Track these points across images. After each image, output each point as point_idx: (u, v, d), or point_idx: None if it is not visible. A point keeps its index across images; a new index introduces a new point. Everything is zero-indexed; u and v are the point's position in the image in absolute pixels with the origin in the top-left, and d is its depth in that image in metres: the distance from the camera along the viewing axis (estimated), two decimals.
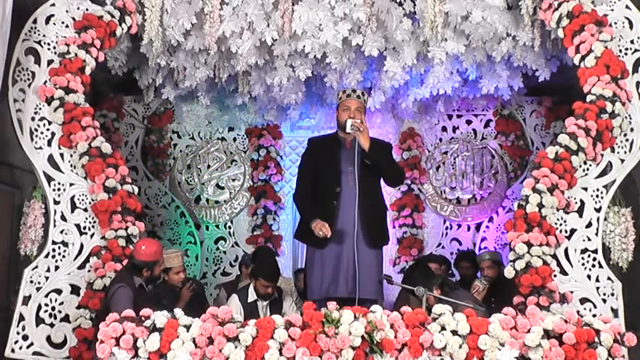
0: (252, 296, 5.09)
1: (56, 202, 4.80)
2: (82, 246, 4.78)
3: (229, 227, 7.06)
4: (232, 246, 7.01)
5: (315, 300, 4.35)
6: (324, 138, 4.65)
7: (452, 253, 6.83)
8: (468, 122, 7.09)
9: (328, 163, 4.51)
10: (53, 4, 4.96)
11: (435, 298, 4.33)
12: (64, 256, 4.76)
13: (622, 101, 4.56)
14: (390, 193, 7.01)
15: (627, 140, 4.68)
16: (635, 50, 4.76)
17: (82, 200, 4.82)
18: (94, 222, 4.78)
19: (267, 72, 5.53)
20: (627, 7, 4.81)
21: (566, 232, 4.57)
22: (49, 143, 4.83)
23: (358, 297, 4.31)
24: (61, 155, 4.84)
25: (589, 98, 4.60)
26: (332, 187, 4.53)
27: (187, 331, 3.55)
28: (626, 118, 4.62)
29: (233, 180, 7.14)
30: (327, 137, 4.62)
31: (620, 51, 4.74)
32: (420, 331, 3.56)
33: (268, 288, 5.03)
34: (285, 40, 4.94)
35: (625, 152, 4.67)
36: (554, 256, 4.48)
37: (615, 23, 4.76)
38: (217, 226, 7.05)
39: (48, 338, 4.64)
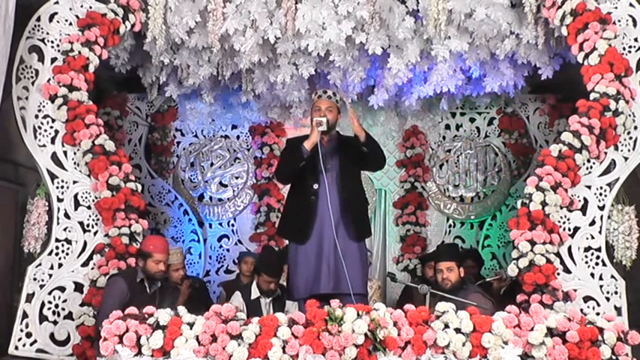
0: (255, 293, 5.10)
1: (60, 200, 4.81)
2: (85, 243, 4.79)
3: (232, 225, 7.07)
4: (235, 244, 7.02)
5: (300, 298, 4.36)
6: (302, 138, 4.67)
7: None
8: (472, 120, 7.09)
9: (306, 162, 4.53)
10: (57, 2, 4.97)
11: (439, 295, 4.33)
12: (67, 254, 4.77)
13: (625, 99, 4.55)
14: (393, 192, 7.02)
15: (631, 138, 4.67)
16: (639, 48, 4.75)
17: (86, 198, 4.83)
18: (98, 219, 4.79)
19: (270, 70, 5.53)
20: (631, 4, 4.80)
21: (569, 230, 4.57)
22: (53, 141, 4.84)
23: (343, 292, 4.31)
24: (65, 153, 4.84)
25: (593, 96, 4.59)
26: (310, 185, 4.56)
27: (191, 328, 3.56)
28: (629, 115, 4.61)
29: (236, 178, 7.15)
30: (304, 138, 4.63)
31: (624, 49, 4.73)
32: (424, 329, 3.56)
33: (271, 284, 5.03)
34: (288, 38, 4.94)
35: (629, 150, 4.66)
36: (558, 254, 4.47)
37: (619, 21, 4.75)
38: (220, 224, 7.06)
39: (51, 336, 4.65)
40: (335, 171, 4.60)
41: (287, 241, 6.84)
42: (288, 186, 4.84)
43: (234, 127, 7.16)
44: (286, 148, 4.86)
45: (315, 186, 4.55)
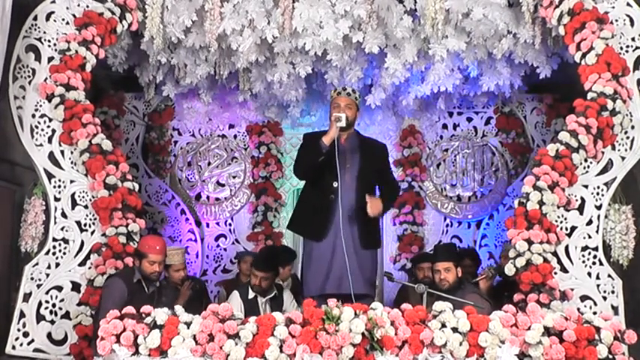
0: (252, 292, 5.10)
1: (57, 199, 4.80)
2: (82, 243, 4.78)
3: (230, 224, 7.07)
4: (233, 243, 7.01)
5: (311, 296, 4.37)
6: (320, 134, 4.67)
7: None
8: (469, 119, 7.09)
9: (326, 159, 4.53)
10: (53, 1, 4.96)
11: (436, 295, 4.33)
12: (64, 253, 4.76)
13: (623, 99, 4.56)
14: None
15: (628, 138, 4.69)
16: (636, 47, 4.76)
17: (83, 197, 4.82)
18: (95, 219, 4.79)
19: (267, 69, 5.53)
20: (628, 4, 4.80)
21: (566, 229, 4.58)
22: (50, 140, 4.83)
23: (348, 293, 4.31)
24: (62, 152, 4.84)
25: (590, 96, 4.60)
26: (329, 182, 4.55)
27: (188, 328, 3.56)
28: (626, 115, 4.62)
29: (233, 177, 7.14)
30: (323, 134, 4.63)
31: (621, 48, 4.74)
32: (421, 329, 3.56)
33: (259, 279, 5.01)
34: (285, 38, 4.94)
35: (626, 150, 4.67)
36: (555, 254, 4.48)
37: (616, 20, 4.76)
38: (218, 223, 7.06)
39: (49, 335, 4.64)
40: (354, 171, 4.60)
41: (284, 240, 6.95)
42: (294, 183, 4.83)
43: (231, 126, 7.15)
44: (304, 143, 4.85)
45: (335, 184, 4.55)
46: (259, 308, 5.04)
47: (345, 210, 4.51)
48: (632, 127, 4.68)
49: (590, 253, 4.59)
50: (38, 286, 4.69)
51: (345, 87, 4.77)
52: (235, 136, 7.17)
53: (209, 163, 7.13)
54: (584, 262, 4.57)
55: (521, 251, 4.39)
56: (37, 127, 4.83)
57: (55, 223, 4.78)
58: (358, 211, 4.55)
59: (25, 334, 4.63)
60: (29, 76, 4.88)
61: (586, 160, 4.61)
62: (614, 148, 4.66)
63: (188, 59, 5.51)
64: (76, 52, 4.82)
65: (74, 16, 4.93)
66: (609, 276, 4.55)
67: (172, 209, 6.84)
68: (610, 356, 3.56)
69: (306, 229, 4.71)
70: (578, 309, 4.33)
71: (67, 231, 4.79)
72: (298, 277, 6.24)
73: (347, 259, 4.40)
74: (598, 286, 4.54)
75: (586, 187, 4.64)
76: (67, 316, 4.65)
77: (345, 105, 4.61)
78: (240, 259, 6.25)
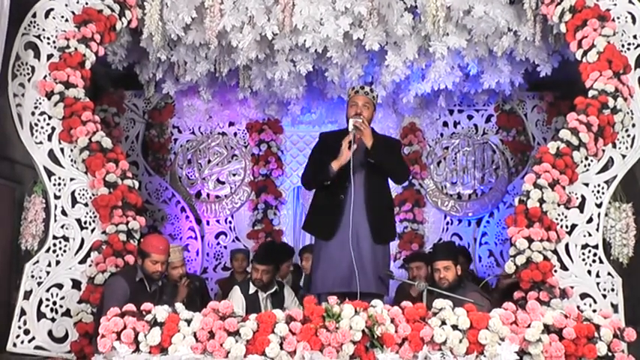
0: (253, 287, 5.11)
1: (57, 197, 4.79)
2: (82, 241, 4.78)
3: (230, 222, 7.07)
4: (233, 241, 7.02)
5: (318, 294, 4.38)
6: (335, 133, 4.68)
7: None
8: (469, 117, 7.09)
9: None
10: None
11: (436, 292, 4.33)
12: (64, 251, 4.76)
13: (624, 97, 4.55)
14: (391, 188, 7.00)
15: (629, 136, 4.68)
16: (638, 45, 4.75)
17: (83, 195, 4.82)
18: (95, 217, 4.78)
19: (267, 66, 5.53)
20: (630, 1, 4.79)
21: (566, 227, 4.57)
22: (50, 138, 4.83)
23: (361, 291, 4.31)
24: (62, 150, 4.83)
25: (591, 93, 4.59)
26: (341, 181, 4.55)
27: (188, 325, 3.56)
28: (627, 113, 4.61)
29: (234, 175, 7.14)
30: (338, 133, 4.64)
31: (623, 46, 4.73)
32: (421, 326, 3.56)
33: (258, 272, 5.02)
34: (285, 35, 4.93)
35: (626, 148, 4.67)
36: (555, 252, 4.48)
37: (618, 18, 4.75)
38: (218, 221, 7.06)
39: (49, 333, 4.64)
40: (366, 170, 4.58)
41: (285, 238, 6.96)
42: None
43: (231, 124, 7.16)
44: (318, 147, 4.81)
45: (346, 184, 4.54)
46: (260, 303, 5.05)
47: (356, 208, 4.51)
48: (633, 125, 4.67)
49: (590, 251, 4.58)
50: (39, 283, 4.69)
51: (362, 86, 4.73)
52: (235, 134, 7.18)
53: (209, 161, 7.13)
54: (584, 260, 4.57)
55: (521, 249, 4.39)
56: (36, 124, 4.83)
57: (55, 220, 4.78)
58: (369, 207, 4.55)
59: (26, 332, 4.63)
60: (28, 74, 4.87)
61: (587, 158, 4.60)
62: (614, 146, 4.65)
63: (188, 56, 5.50)
64: (76, 49, 4.81)
65: (73, 13, 4.92)
66: (609, 274, 4.55)
67: (172, 207, 6.85)
68: (609, 354, 3.57)
69: (317, 228, 4.72)
70: (578, 307, 4.31)
71: (67, 229, 4.78)
72: (300, 268, 6.25)
73: (354, 257, 4.39)
74: (598, 284, 4.54)
75: (586, 185, 4.63)
76: (67, 313, 4.65)
77: (363, 104, 4.56)
78: (232, 256, 6.27)
